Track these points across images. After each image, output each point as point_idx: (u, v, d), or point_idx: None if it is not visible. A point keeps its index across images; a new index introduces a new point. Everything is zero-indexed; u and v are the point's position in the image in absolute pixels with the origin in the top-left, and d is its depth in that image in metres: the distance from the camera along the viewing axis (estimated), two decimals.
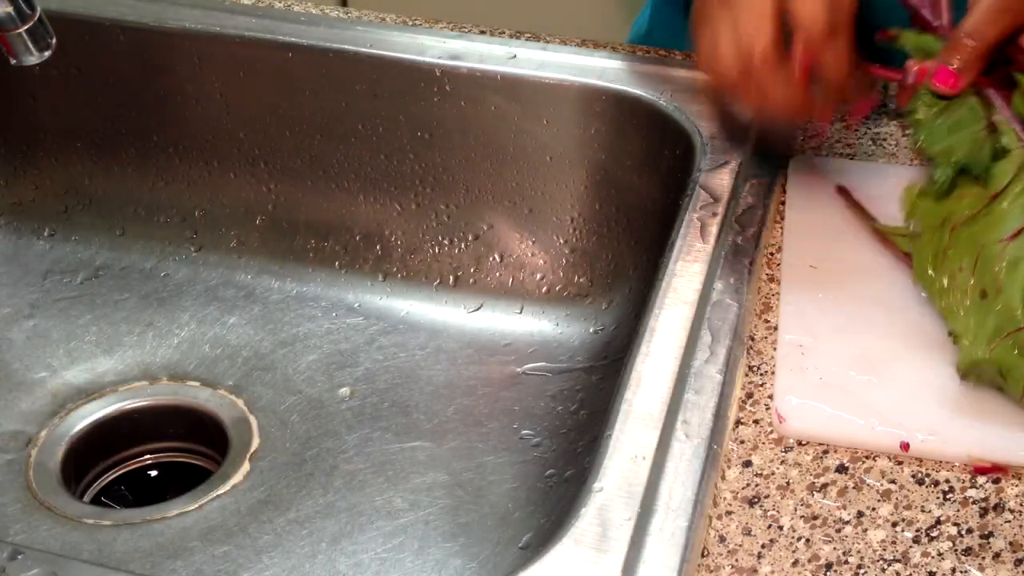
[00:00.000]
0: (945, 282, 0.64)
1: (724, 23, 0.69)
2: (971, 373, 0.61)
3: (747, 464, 0.59)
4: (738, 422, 0.61)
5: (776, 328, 0.66)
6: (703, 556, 0.54)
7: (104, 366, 0.84)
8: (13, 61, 0.71)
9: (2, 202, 0.95)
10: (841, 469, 0.58)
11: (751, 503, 0.57)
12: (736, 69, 0.69)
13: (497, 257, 0.88)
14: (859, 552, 0.55)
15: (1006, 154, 0.64)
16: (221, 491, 0.76)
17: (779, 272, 0.69)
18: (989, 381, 0.61)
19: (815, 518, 0.56)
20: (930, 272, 0.65)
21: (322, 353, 0.85)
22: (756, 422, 0.61)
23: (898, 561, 0.54)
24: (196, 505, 0.75)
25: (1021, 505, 0.56)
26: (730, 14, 0.68)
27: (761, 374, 0.63)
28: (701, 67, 0.73)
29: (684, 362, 0.61)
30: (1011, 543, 0.55)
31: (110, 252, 0.93)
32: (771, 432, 0.60)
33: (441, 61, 0.84)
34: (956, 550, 0.55)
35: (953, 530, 0.55)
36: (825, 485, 0.58)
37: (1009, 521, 0.56)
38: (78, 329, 0.87)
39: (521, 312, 0.87)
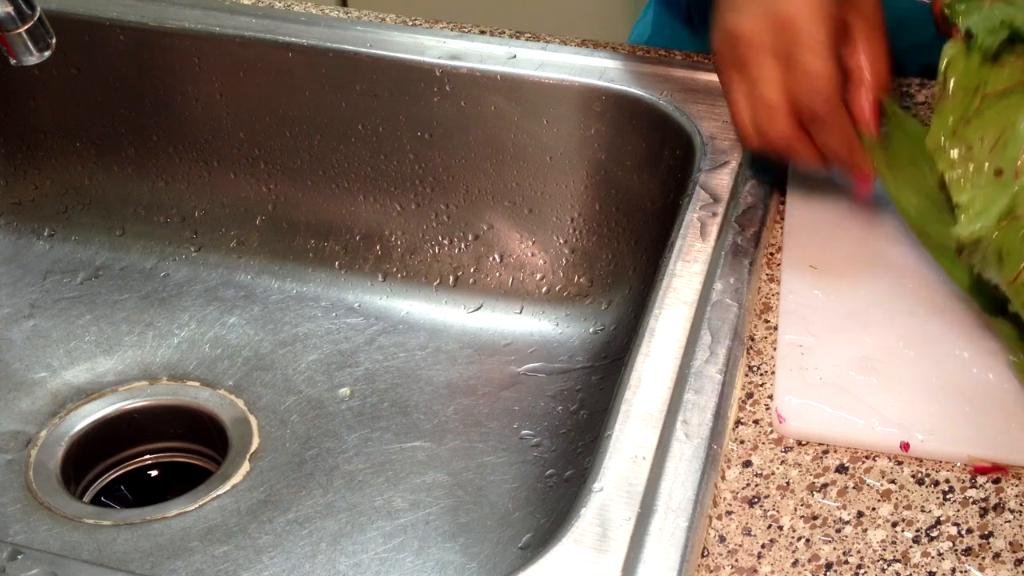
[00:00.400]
0: (960, 152, 0.62)
1: (769, 72, 0.66)
2: (970, 248, 0.60)
3: (747, 464, 0.59)
4: (738, 422, 0.61)
5: (776, 328, 0.66)
6: (703, 556, 0.54)
7: (104, 366, 0.85)
8: (13, 61, 0.71)
9: (2, 202, 0.95)
10: (841, 469, 0.58)
11: (751, 503, 0.57)
12: (790, 127, 0.67)
13: (497, 257, 0.88)
14: (859, 552, 0.55)
15: None
16: (221, 491, 0.76)
17: (779, 272, 0.69)
18: (982, 261, 0.60)
19: (815, 518, 0.56)
20: (944, 139, 0.63)
21: (322, 353, 0.85)
22: (756, 422, 0.61)
23: (898, 561, 0.54)
24: (196, 505, 0.75)
25: (1021, 505, 0.56)
26: (775, 64, 0.66)
27: (761, 374, 0.63)
28: (742, 128, 0.69)
29: (684, 362, 0.61)
30: (1011, 543, 0.55)
31: (110, 252, 0.93)
32: (771, 432, 0.60)
33: (441, 61, 0.84)
34: (956, 550, 0.55)
35: (953, 530, 0.55)
36: (825, 485, 0.58)
37: (1009, 521, 0.56)
38: (78, 329, 0.87)
39: (521, 312, 0.87)
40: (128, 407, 0.82)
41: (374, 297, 0.89)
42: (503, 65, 0.83)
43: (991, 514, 0.56)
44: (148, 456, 0.83)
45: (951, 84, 0.64)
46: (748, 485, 0.58)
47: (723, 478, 0.58)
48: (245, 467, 0.77)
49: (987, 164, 0.61)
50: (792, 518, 0.56)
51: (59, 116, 0.93)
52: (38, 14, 0.70)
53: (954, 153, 0.62)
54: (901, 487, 0.58)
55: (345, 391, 0.82)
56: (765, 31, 0.66)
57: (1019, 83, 0.62)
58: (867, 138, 0.67)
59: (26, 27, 0.70)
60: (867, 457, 0.59)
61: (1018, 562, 0.54)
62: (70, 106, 0.92)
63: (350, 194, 0.90)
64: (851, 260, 0.69)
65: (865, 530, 0.56)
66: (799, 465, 0.59)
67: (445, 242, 0.89)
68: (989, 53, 0.63)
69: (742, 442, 0.60)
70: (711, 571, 0.54)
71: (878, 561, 0.54)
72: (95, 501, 0.80)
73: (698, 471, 0.56)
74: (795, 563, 0.54)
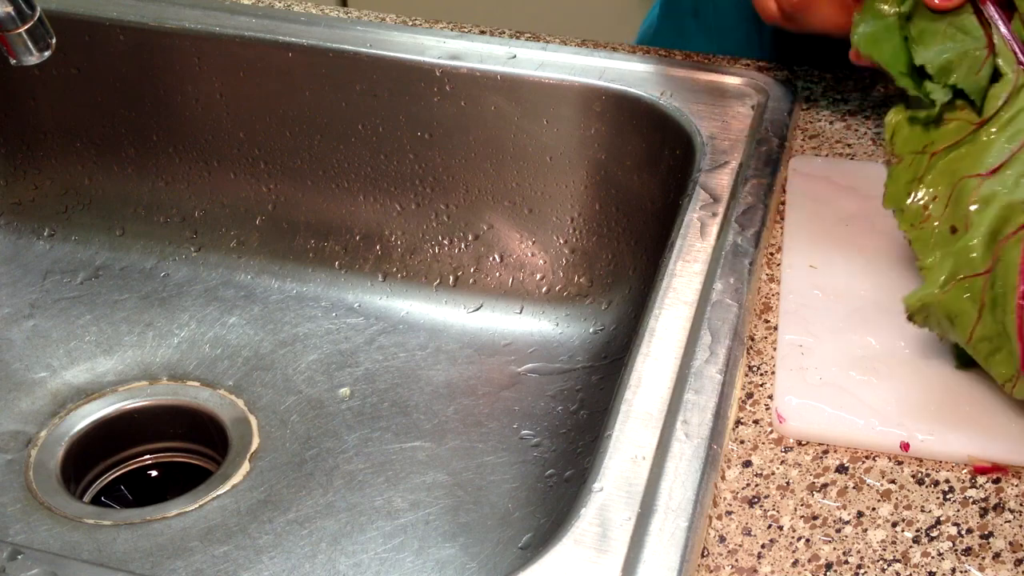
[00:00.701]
0: (918, 210, 0.61)
1: None
2: (919, 314, 0.60)
3: (747, 464, 0.59)
4: (738, 422, 0.61)
5: (776, 328, 0.66)
6: (703, 556, 0.54)
7: (104, 366, 0.85)
8: (13, 61, 0.71)
9: (2, 202, 0.95)
10: (841, 469, 0.58)
11: (751, 503, 0.57)
12: None
13: (497, 257, 0.88)
14: (859, 552, 0.55)
15: (1000, 78, 0.61)
16: (221, 491, 0.76)
17: (779, 272, 0.69)
18: (936, 323, 0.60)
19: (815, 518, 0.56)
20: (905, 199, 0.62)
21: (322, 353, 0.85)
22: (756, 422, 0.61)
23: (898, 561, 0.54)
24: (196, 505, 0.75)
25: (1021, 505, 0.56)
26: None
27: (761, 374, 0.63)
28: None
29: (684, 362, 0.61)
30: (1011, 543, 0.55)
31: (110, 252, 0.93)
32: (771, 432, 0.60)
33: (441, 61, 0.84)
34: (956, 550, 0.55)
35: (953, 530, 0.55)
36: (825, 485, 0.58)
37: (1009, 521, 0.56)
38: (78, 329, 0.87)
39: (521, 312, 0.87)
40: (128, 407, 0.82)
41: (374, 297, 0.89)
42: (503, 65, 0.83)
43: (991, 514, 0.56)
44: (148, 456, 0.83)
45: (898, 150, 0.64)
46: (748, 485, 0.58)
47: (723, 478, 0.58)
48: (245, 467, 0.77)
49: (942, 220, 0.60)
50: (792, 518, 0.56)
51: (59, 116, 0.93)
52: (38, 14, 0.70)
53: (912, 212, 0.62)
54: (901, 487, 0.58)
55: (345, 391, 0.82)
56: None
57: (965, 136, 0.61)
58: None
59: (26, 27, 0.70)
60: (867, 457, 0.59)
61: (1018, 562, 0.54)
62: (70, 106, 0.92)
63: (350, 194, 0.90)
64: (851, 260, 0.69)
65: (865, 530, 0.56)
66: (799, 465, 0.59)
67: (445, 242, 0.89)
68: (931, 118, 0.63)
69: (742, 442, 0.60)
70: (711, 571, 0.54)
71: (878, 561, 0.54)
72: (95, 501, 0.80)
73: (698, 471, 0.56)
74: (795, 563, 0.54)
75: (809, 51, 0.87)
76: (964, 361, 0.62)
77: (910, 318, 0.60)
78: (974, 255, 0.57)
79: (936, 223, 0.60)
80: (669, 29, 1.02)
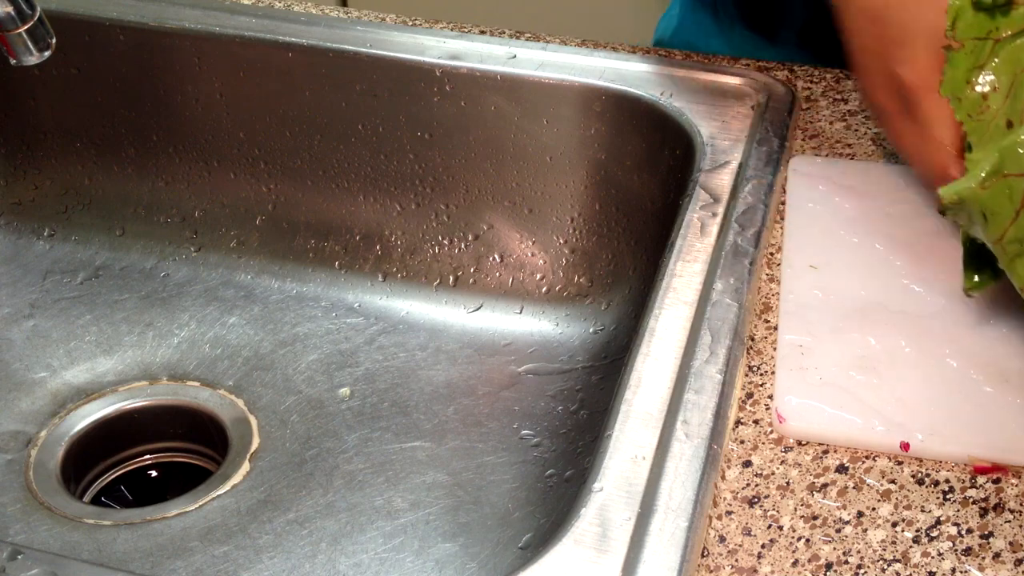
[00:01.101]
0: (977, 99, 0.58)
1: (941, 111, 0.61)
2: (953, 207, 0.57)
3: (747, 464, 0.59)
4: (738, 422, 0.61)
5: (776, 328, 0.66)
6: (703, 556, 0.54)
7: (104, 366, 0.85)
8: (13, 61, 0.71)
9: (2, 202, 0.95)
10: (841, 469, 0.58)
11: (751, 503, 0.57)
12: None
13: (497, 257, 0.88)
14: (859, 552, 0.55)
15: None
16: (221, 491, 0.76)
17: (779, 272, 0.69)
18: (968, 219, 0.57)
19: (815, 518, 0.56)
20: (964, 87, 0.59)
21: (322, 353, 0.85)
22: (756, 422, 0.61)
23: (898, 561, 0.54)
24: (196, 505, 0.75)
25: (1021, 505, 0.56)
26: (946, 102, 0.61)
27: (761, 374, 0.63)
28: (923, 178, 0.66)
29: (684, 362, 0.61)
30: (1011, 543, 0.55)
31: (110, 252, 0.93)
32: (771, 432, 0.60)
33: (441, 61, 0.84)
34: (956, 550, 0.55)
35: (953, 530, 0.55)
36: (825, 485, 0.58)
37: (1009, 521, 0.56)
38: (78, 329, 0.87)
39: (521, 312, 0.87)
40: (128, 407, 0.82)
41: (374, 297, 0.89)
42: (503, 65, 0.83)
43: (991, 514, 0.56)
44: (148, 456, 0.83)
45: (959, 35, 0.60)
46: (748, 485, 0.58)
47: (723, 478, 0.58)
48: (245, 467, 0.77)
49: (1000, 114, 0.57)
50: (792, 518, 0.56)
51: (59, 116, 0.93)
52: (38, 14, 0.70)
53: (970, 101, 0.58)
54: (901, 487, 0.58)
55: (345, 391, 0.82)
56: (935, 71, 0.62)
57: None
58: None
59: (26, 27, 0.70)
60: (867, 457, 0.59)
61: (1018, 562, 0.54)
62: (70, 106, 0.92)
63: (350, 194, 0.90)
64: (851, 260, 0.69)
65: (865, 530, 0.56)
66: (799, 465, 0.59)
67: (445, 242, 0.89)
68: (998, 2, 0.59)
69: (742, 442, 0.60)
70: (711, 571, 0.54)
71: (878, 561, 0.54)
72: (95, 501, 0.80)
73: (698, 471, 0.56)
74: (795, 563, 0.54)
75: (824, 49, 0.87)
76: (980, 280, 0.60)
77: (942, 211, 0.58)
78: (1022, 152, 0.54)
79: (993, 114, 0.57)
80: (690, 27, 1.01)
